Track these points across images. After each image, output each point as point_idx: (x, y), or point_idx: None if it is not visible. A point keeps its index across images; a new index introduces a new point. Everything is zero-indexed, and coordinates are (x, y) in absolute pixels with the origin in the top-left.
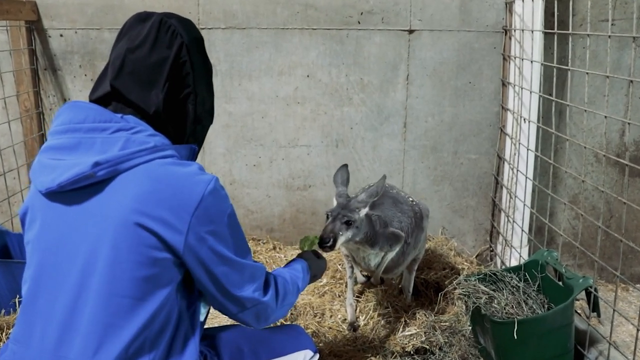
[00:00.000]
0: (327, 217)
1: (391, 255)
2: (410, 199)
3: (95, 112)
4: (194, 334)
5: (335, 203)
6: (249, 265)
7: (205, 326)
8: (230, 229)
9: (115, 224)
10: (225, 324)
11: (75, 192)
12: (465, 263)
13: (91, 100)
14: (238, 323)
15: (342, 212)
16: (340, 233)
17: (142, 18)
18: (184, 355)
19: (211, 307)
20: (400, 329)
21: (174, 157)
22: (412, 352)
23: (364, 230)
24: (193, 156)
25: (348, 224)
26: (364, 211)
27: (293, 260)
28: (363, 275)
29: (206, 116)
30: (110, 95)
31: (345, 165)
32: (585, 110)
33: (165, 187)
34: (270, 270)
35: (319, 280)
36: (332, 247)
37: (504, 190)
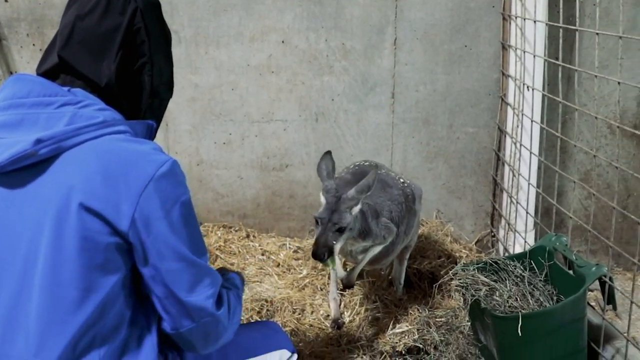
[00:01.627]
0: (317, 223)
1: (380, 247)
2: (401, 180)
3: (40, 86)
4: (150, 331)
5: (322, 200)
6: (204, 267)
7: None
8: (184, 220)
9: (57, 207)
10: None
11: (17, 173)
12: (464, 250)
13: (39, 74)
14: None
15: (333, 218)
16: (334, 242)
17: None
18: (140, 353)
19: None
20: (390, 326)
21: (126, 134)
22: (403, 352)
23: (358, 227)
24: (150, 133)
25: (341, 231)
26: (356, 209)
27: (220, 269)
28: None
29: (164, 89)
30: (59, 67)
31: (329, 153)
32: (596, 76)
33: (112, 164)
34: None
35: (298, 272)
36: (328, 259)
37: (506, 168)
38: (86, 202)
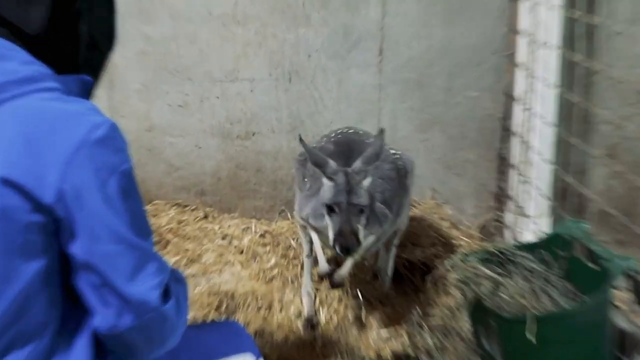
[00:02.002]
0: (333, 210)
1: (373, 237)
2: (392, 151)
3: None
4: (82, 331)
5: (328, 184)
6: (149, 251)
7: None
8: (124, 193)
9: None
10: None
11: None
12: (463, 237)
13: None
14: None
15: (352, 200)
16: (359, 227)
17: None
18: (70, 355)
19: None
20: (375, 328)
21: (56, 91)
22: (389, 359)
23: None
24: (86, 91)
25: (362, 211)
26: (366, 183)
27: None
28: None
29: (104, 40)
30: None
31: (300, 137)
32: (620, 33)
33: (36, 128)
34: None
35: (266, 261)
36: (357, 250)
37: (515, 140)
38: (5, 175)
